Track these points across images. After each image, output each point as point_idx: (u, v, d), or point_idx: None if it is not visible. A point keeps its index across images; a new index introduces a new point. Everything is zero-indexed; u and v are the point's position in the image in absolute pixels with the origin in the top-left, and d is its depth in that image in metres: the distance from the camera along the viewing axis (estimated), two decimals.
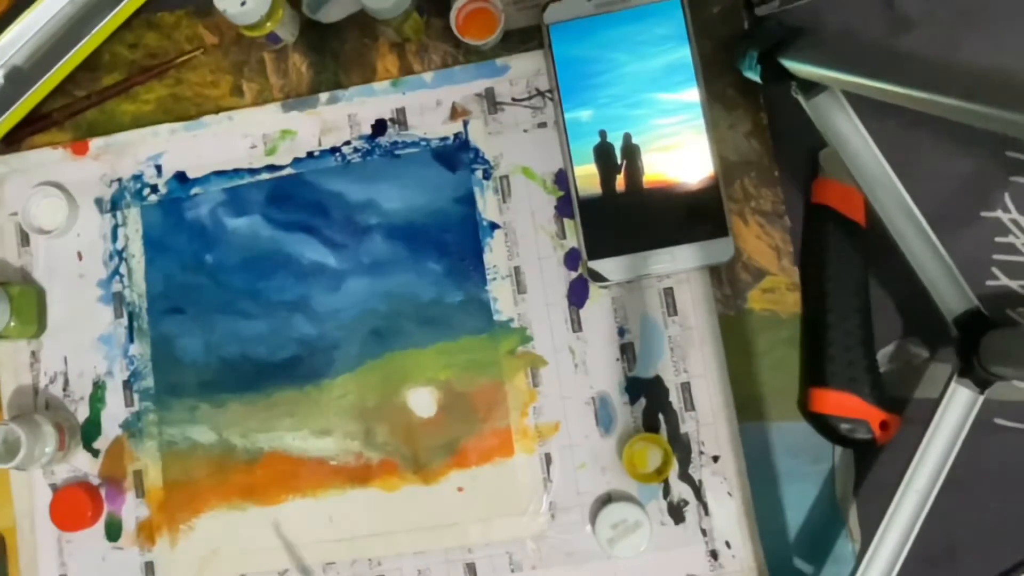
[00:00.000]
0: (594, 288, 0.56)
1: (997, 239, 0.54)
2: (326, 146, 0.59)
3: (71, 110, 0.61)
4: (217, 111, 0.60)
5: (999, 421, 0.53)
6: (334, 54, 0.60)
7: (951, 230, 0.50)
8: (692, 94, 0.55)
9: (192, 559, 0.56)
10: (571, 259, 0.56)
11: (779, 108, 0.55)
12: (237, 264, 0.58)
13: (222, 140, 0.59)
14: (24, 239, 0.60)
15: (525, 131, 0.57)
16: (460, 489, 0.55)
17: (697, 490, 0.53)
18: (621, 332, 0.55)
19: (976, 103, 0.34)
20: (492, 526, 0.54)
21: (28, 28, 0.57)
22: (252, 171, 0.59)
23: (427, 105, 0.58)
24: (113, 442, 0.58)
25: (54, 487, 0.58)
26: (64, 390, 0.59)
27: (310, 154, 0.59)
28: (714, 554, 0.53)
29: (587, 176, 0.55)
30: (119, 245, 0.59)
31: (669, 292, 0.55)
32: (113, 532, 0.57)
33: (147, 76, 0.60)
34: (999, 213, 0.54)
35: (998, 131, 0.34)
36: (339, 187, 0.58)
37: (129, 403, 0.58)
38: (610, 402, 0.55)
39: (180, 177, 0.60)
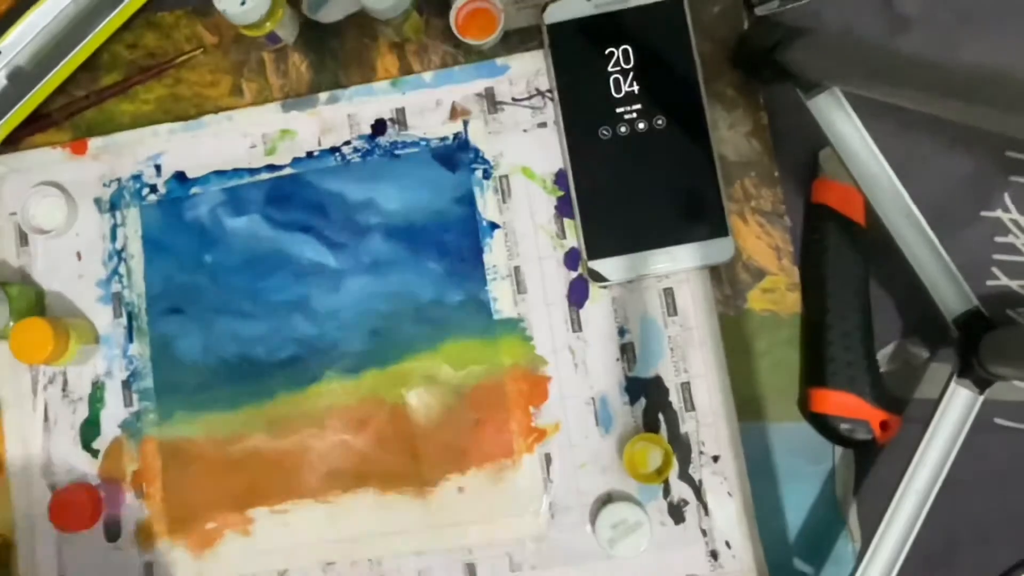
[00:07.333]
0: (594, 288, 0.56)
1: (997, 239, 0.54)
2: (326, 146, 0.59)
3: (70, 110, 0.61)
4: (217, 111, 0.60)
5: (999, 421, 0.53)
6: (334, 54, 0.59)
7: (951, 230, 0.50)
8: (692, 94, 0.55)
9: (192, 559, 0.56)
10: (571, 259, 0.56)
11: (779, 108, 0.55)
12: (236, 264, 0.58)
13: (222, 140, 0.59)
14: (23, 239, 0.60)
15: (525, 131, 0.57)
16: (460, 489, 0.55)
17: (697, 490, 0.53)
18: (621, 332, 0.55)
19: (976, 103, 0.34)
20: (492, 526, 0.54)
21: (30, 28, 0.57)
22: (252, 171, 0.59)
23: (427, 105, 0.58)
24: (112, 442, 0.58)
25: (53, 488, 0.57)
26: (63, 390, 0.59)
27: (310, 154, 0.59)
28: (714, 554, 0.53)
29: (587, 176, 0.55)
30: (118, 245, 0.59)
31: (669, 292, 0.55)
32: (112, 533, 0.57)
33: (146, 76, 0.60)
34: (999, 213, 0.54)
35: (998, 131, 0.34)
36: (339, 187, 0.58)
37: (128, 403, 0.58)
38: (610, 402, 0.55)
39: (179, 177, 0.60)
